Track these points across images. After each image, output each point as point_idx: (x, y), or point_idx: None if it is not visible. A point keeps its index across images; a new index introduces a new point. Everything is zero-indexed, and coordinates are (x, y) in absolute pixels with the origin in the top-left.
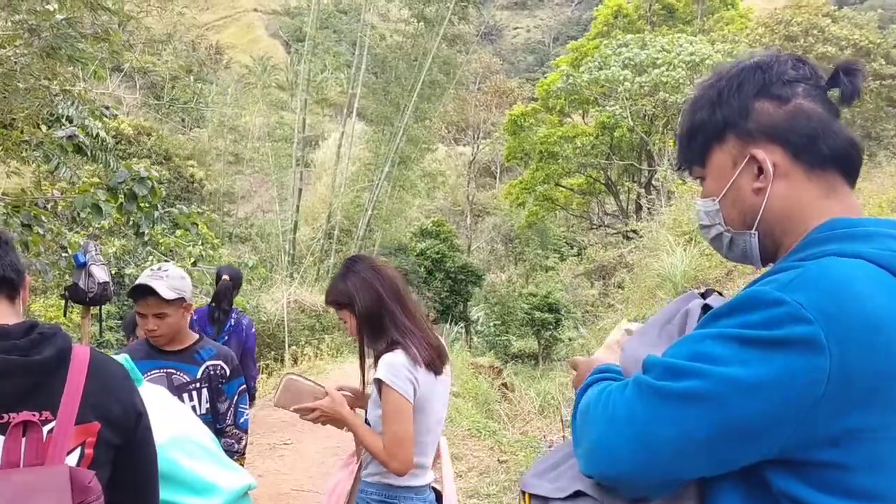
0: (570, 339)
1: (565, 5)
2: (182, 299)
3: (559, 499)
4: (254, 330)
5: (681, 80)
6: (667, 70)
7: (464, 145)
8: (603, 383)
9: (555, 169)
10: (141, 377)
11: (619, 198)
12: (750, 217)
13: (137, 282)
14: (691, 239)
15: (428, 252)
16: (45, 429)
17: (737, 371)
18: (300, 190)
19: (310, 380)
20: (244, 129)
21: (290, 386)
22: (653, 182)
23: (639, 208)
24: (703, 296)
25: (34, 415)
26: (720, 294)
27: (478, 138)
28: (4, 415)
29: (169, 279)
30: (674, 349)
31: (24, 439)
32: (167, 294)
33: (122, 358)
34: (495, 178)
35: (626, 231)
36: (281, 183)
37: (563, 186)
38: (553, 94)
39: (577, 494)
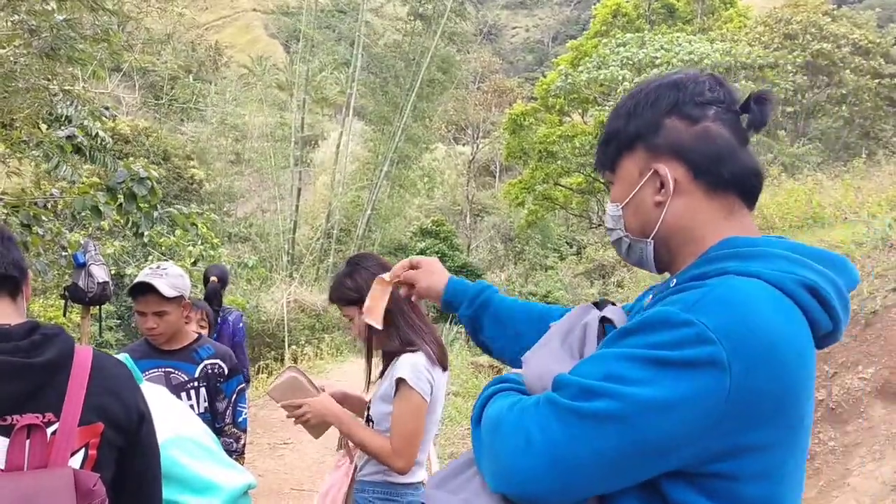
0: None
1: (564, 4)
2: (181, 297)
3: None
4: (242, 324)
5: None
6: (665, 70)
7: (463, 144)
8: (511, 396)
9: (554, 168)
10: (141, 376)
11: None
12: (648, 227)
13: (137, 280)
14: None
15: (427, 251)
16: (49, 431)
17: (647, 391)
18: (299, 189)
19: (312, 382)
20: (243, 129)
21: (289, 379)
22: None
23: None
24: (598, 306)
25: (38, 417)
26: (613, 304)
27: (477, 137)
28: (8, 417)
29: (168, 277)
30: (585, 368)
31: (28, 442)
32: (167, 292)
33: (123, 357)
34: (495, 178)
35: None
36: (280, 183)
37: (563, 186)
38: (552, 93)
39: None
